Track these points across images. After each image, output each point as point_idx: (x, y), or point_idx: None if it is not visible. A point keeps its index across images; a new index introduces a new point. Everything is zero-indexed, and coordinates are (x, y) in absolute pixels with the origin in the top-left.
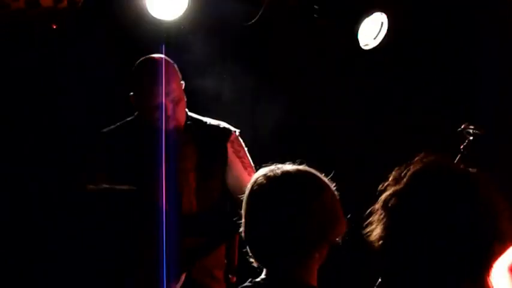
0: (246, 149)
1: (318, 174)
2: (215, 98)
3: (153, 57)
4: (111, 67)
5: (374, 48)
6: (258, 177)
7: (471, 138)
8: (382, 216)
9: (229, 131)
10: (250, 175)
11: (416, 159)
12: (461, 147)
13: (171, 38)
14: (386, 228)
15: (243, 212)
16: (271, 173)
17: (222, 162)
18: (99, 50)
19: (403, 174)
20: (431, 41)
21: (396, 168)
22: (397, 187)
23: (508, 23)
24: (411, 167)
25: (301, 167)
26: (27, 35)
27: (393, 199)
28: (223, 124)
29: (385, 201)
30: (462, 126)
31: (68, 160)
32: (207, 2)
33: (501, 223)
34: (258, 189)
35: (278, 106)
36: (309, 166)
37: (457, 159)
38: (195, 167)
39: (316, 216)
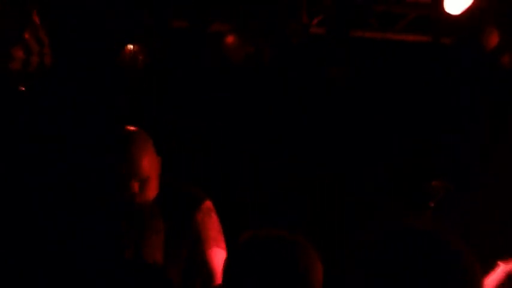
0: (217, 220)
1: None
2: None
3: (126, 133)
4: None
5: None
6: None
7: (441, 193)
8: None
9: (201, 199)
10: (212, 251)
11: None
12: (431, 203)
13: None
14: None
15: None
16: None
17: (190, 235)
18: (68, 115)
19: (372, 238)
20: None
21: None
22: (368, 251)
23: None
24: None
25: (285, 234)
26: None
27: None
28: (195, 191)
29: (359, 265)
30: (432, 182)
31: None
32: None
33: (477, 282)
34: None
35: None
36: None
37: (427, 214)
38: (163, 243)
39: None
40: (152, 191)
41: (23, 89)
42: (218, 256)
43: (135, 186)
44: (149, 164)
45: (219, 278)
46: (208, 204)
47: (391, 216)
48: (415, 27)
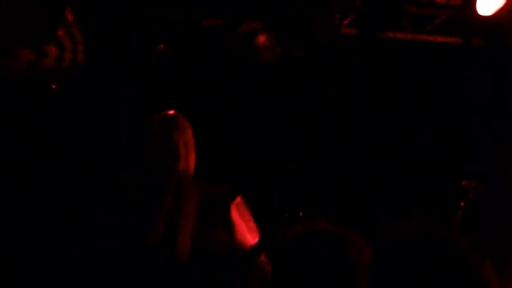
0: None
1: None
2: None
3: (170, 112)
4: (115, 127)
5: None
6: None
7: (472, 194)
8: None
9: (235, 193)
10: (254, 237)
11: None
12: (462, 203)
13: None
14: None
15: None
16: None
17: (227, 224)
18: (100, 111)
19: (385, 241)
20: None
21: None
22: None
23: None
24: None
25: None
26: (27, 96)
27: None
28: (228, 187)
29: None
30: (463, 182)
31: None
32: None
33: None
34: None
35: None
36: None
37: (457, 215)
38: (195, 215)
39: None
40: (192, 163)
41: (54, 87)
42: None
43: (183, 152)
44: (192, 137)
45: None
46: (240, 197)
47: (417, 217)
48: (447, 28)
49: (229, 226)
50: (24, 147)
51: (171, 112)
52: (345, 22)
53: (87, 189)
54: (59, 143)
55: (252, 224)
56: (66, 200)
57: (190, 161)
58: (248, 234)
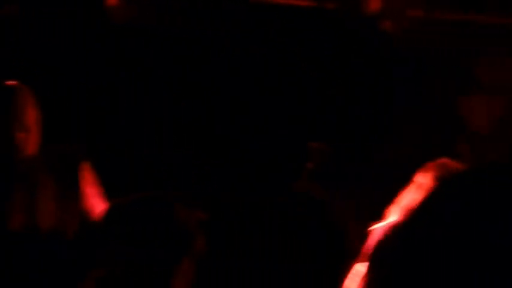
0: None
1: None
2: None
3: (6, 84)
4: None
5: None
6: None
7: (319, 155)
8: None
9: (81, 155)
10: (101, 203)
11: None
12: (308, 164)
13: None
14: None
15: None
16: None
17: (77, 188)
18: None
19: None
20: None
21: None
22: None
23: None
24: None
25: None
26: None
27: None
28: (72, 149)
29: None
30: (312, 144)
31: None
32: None
33: None
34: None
35: None
36: None
37: (302, 175)
38: (55, 195)
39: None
40: (33, 145)
41: None
42: None
43: (20, 138)
44: (32, 114)
45: None
46: (88, 162)
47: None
48: None
49: (79, 194)
50: None
51: (8, 88)
52: None
53: None
54: None
55: (98, 188)
56: None
57: (32, 141)
58: (97, 199)
